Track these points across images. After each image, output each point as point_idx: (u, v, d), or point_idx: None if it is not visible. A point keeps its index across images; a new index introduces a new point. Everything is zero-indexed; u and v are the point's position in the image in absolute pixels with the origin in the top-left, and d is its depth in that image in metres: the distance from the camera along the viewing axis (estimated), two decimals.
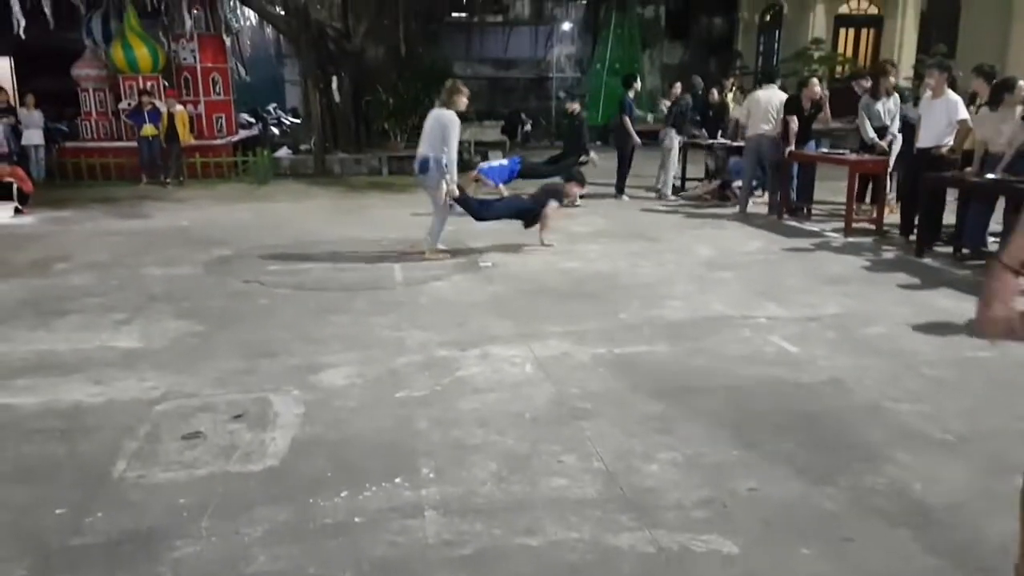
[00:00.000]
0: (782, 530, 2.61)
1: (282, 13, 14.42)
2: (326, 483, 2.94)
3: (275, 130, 18.24)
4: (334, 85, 14.20)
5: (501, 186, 9.22)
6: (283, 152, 14.69)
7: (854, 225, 8.05)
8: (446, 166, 6.60)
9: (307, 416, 3.55)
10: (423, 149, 6.73)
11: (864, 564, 2.42)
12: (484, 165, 9.80)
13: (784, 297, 5.54)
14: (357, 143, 14.83)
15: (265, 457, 3.16)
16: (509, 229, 7.63)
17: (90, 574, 2.41)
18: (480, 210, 7.35)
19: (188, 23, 13.42)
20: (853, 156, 8.42)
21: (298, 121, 18.79)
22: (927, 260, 6.84)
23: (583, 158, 10.39)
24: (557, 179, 8.43)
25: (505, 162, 9.84)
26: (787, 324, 4.90)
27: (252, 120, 18.20)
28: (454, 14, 18.56)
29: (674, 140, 10.67)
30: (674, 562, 2.43)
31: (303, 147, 14.92)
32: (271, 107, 20.11)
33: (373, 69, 14.77)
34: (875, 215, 8.16)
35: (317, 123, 14.14)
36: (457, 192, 6.82)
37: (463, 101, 6.82)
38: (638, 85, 11.28)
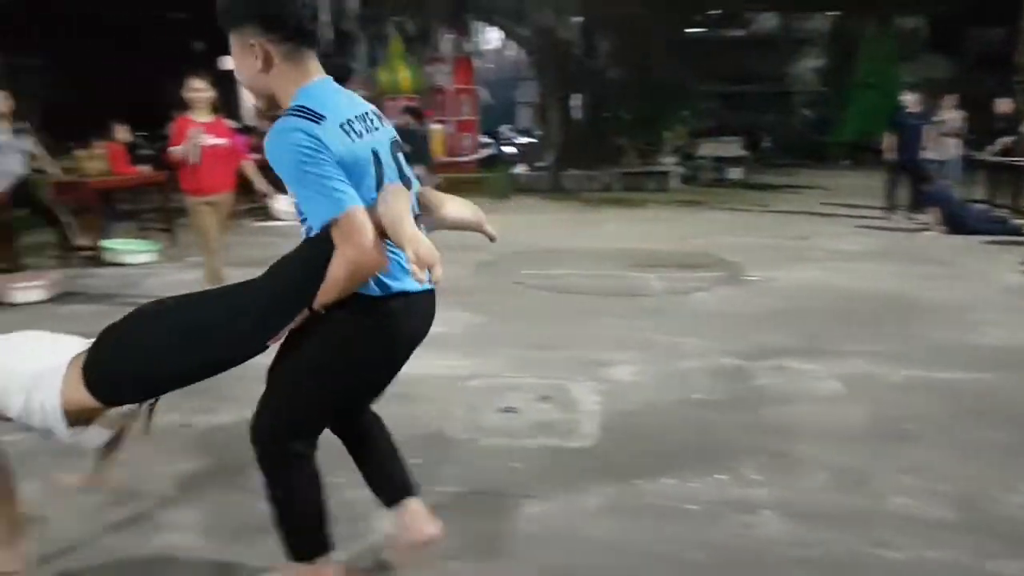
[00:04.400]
0: None
1: (528, 34, 15.10)
2: (646, 468, 2.96)
3: (508, 149, 19.10)
4: (573, 103, 14.59)
5: None
6: (519, 169, 15.35)
7: None
8: None
9: (607, 405, 3.62)
10: None
11: None
12: None
13: None
14: (591, 160, 15.13)
15: (579, 437, 3.27)
16: (762, 243, 7.37)
17: (452, 516, 2.60)
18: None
19: (445, 47, 14.51)
20: None
21: (530, 141, 19.56)
22: None
23: None
24: None
25: None
26: None
27: (489, 140, 19.21)
28: (693, 29, 18.40)
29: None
30: None
31: (537, 164, 15.49)
32: (504, 127, 21.11)
33: (613, 86, 15.01)
34: None
35: (554, 141, 14.61)
36: None
37: None
38: (910, 98, 10.30)
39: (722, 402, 3.70)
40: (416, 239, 1.62)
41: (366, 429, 2.23)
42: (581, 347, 4.53)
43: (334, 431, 2.14)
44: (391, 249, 1.73)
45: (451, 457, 3.08)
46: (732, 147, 15.70)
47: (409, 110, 10.88)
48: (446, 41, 14.62)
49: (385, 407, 3.57)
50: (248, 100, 20.96)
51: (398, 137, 1.95)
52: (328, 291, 1.69)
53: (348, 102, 1.81)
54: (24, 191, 6.20)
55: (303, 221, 1.74)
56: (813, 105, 22.03)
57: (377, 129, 1.83)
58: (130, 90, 16.47)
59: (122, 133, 8.39)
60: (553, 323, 5.13)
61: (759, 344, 4.59)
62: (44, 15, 17.08)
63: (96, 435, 1.94)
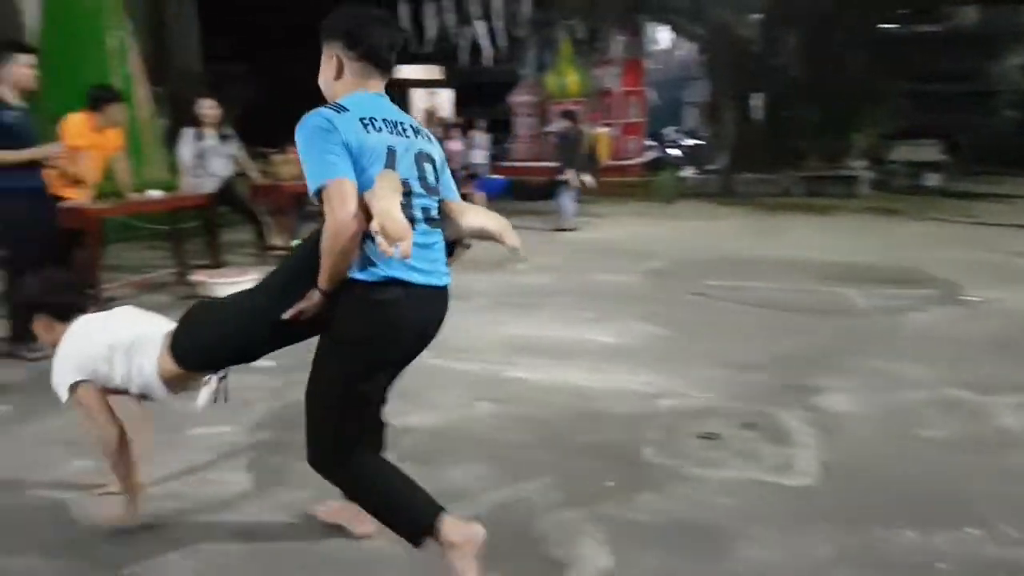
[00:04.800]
0: None
1: (703, 33, 14.56)
2: (879, 515, 2.59)
3: (673, 151, 18.58)
4: (751, 103, 13.89)
5: None
6: (687, 171, 14.83)
7: None
8: None
9: (824, 438, 3.25)
10: None
11: None
12: None
13: None
14: (768, 163, 14.34)
15: (797, 473, 2.92)
16: (976, 259, 6.53)
17: (654, 548, 2.39)
18: None
19: (615, 49, 14.29)
20: None
21: (696, 143, 18.90)
22: None
23: None
24: None
25: None
26: None
27: (652, 142, 18.77)
28: (884, 25, 16.99)
29: None
30: None
31: (707, 167, 14.89)
32: (670, 129, 20.57)
33: (795, 85, 14.14)
34: None
35: (727, 142, 13.97)
36: None
37: None
38: None
39: (958, 442, 3.22)
40: (384, 213, 1.76)
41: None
42: (784, 369, 4.15)
43: None
44: (416, 242, 1.86)
45: (647, 483, 2.85)
46: (929, 151, 14.29)
47: (566, 114, 10.79)
48: (616, 43, 14.38)
49: (574, 423, 3.46)
50: (418, 108, 21.95)
51: (430, 152, 2.11)
52: (324, 265, 1.89)
53: (384, 109, 2.04)
54: (228, 192, 6.63)
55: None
56: (1019, 106, 19.75)
57: (406, 136, 2.03)
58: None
59: None
60: (747, 340, 4.76)
61: (994, 376, 4.00)
62: (248, 24, 18.52)
63: (202, 398, 2.33)
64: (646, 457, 3.07)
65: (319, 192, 1.87)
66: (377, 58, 2.04)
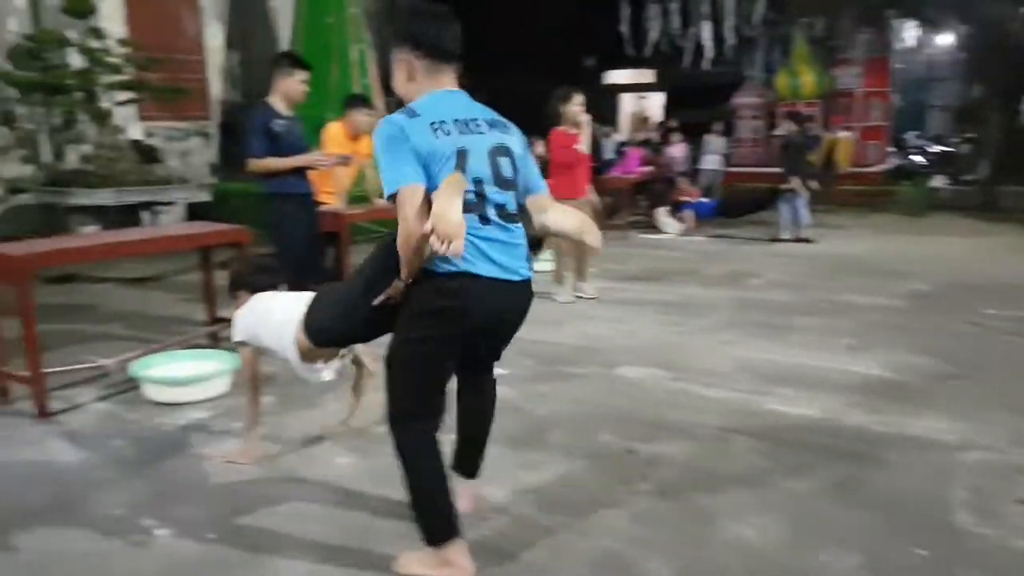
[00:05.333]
0: None
1: (967, 29, 12.94)
2: None
3: (918, 159, 16.71)
4: (1022, 106, 12.11)
5: None
6: (939, 182, 13.22)
7: None
8: None
9: None
10: None
11: None
12: None
13: None
14: None
15: None
16: None
17: None
18: None
19: (857, 47, 13.10)
20: None
21: (944, 150, 16.87)
22: None
23: None
24: None
25: None
26: None
27: (894, 149, 17.01)
28: None
29: None
30: None
31: (963, 177, 13.19)
32: (912, 134, 18.56)
33: None
34: None
35: (991, 150, 12.28)
36: None
37: None
38: None
39: None
40: (439, 214, 1.85)
41: (477, 402, 2.48)
42: None
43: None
44: (490, 237, 2.04)
45: (966, 555, 2.37)
46: None
47: (791, 115, 9.95)
48: (860, 41, 13.16)
49: (856, 470, 3.01)
50: (625, 113, 21.66)
51: (507, 144, 2.15)
52: (402, 261, 2.01)
53: (456, 108, 2.10)
54: None
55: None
56: None
57: (479, 133, 2.08)
58: (526, 101, 17.83)
59: None
60: None
61: None
62: (474, 40, 19.22)
63: (325, 372, 2.86)
64: (960, 523, 2.57)
65: (392, 197, 1.98)
66: (443, 53, 2.12)
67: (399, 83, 2.18)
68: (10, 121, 9.21)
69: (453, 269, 2.01)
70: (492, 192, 2.06)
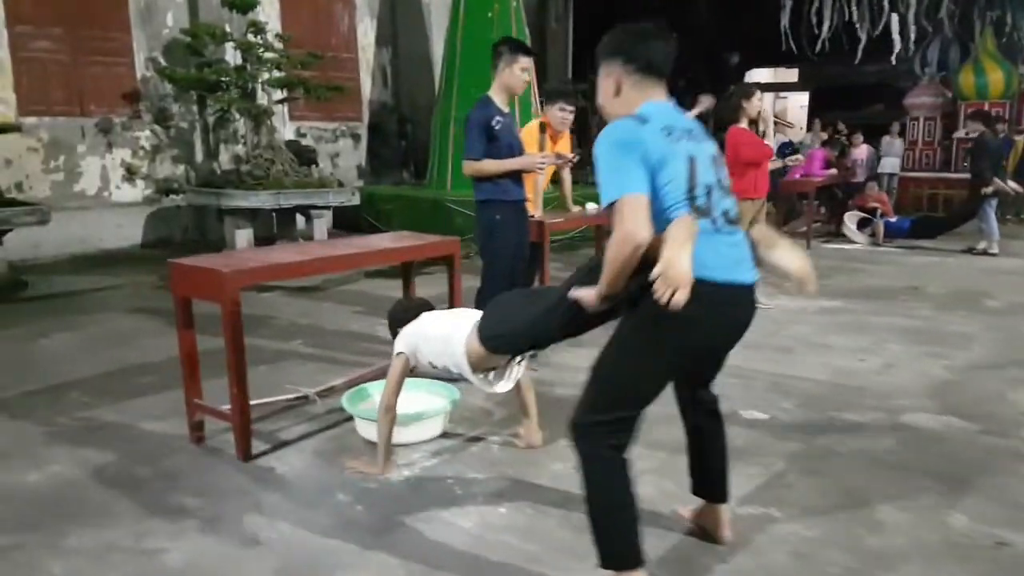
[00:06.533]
0: None
1: None
2: None
3: None
4: None
5: None
6: None
7: None
8: None
9: None
10: None
11: None
12: None
13: None
14: None
15: None
16: None
17: None
18: None
19: None
20: None
21: None
22: None
23: None
24: None
25: None
26: None
27: None
28: None
29: None
30: None
31: None
32: None
33: None
34: None
35: None
36: None
37: None
38: None
39: None
40: (670, 260, 1.81)
41: (701, 421, 2.37)
42: None
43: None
44: (722, 242, 1.98)
45: None
46: None
47: (979, 116, 8.78)
48: None
49: None
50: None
51: (716, 155, 2.08)
52: (605, 271, 1.93)
53: (676, 117, 2.05)
54: None
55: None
56: None
57: (699, 142, 2.03)
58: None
59: None
60: None
61: None
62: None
63: (501, 383, 2.77)
64: None
65: (610, 206, 1.90)
66: (657, 70, 2.08)
67: (605, 96, 2.14)
68: (165, 119, 9.15)
69: (709, 278, 1.92)
70: (718, 197, 2.02)
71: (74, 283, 6.68)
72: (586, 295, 2.05)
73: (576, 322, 2.24)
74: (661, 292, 1.78)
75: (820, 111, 17.61)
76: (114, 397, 3.81)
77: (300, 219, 9.06)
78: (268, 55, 8.20)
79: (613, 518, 2.04)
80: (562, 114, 4.68)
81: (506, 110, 4.00)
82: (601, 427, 2.01)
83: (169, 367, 4.12)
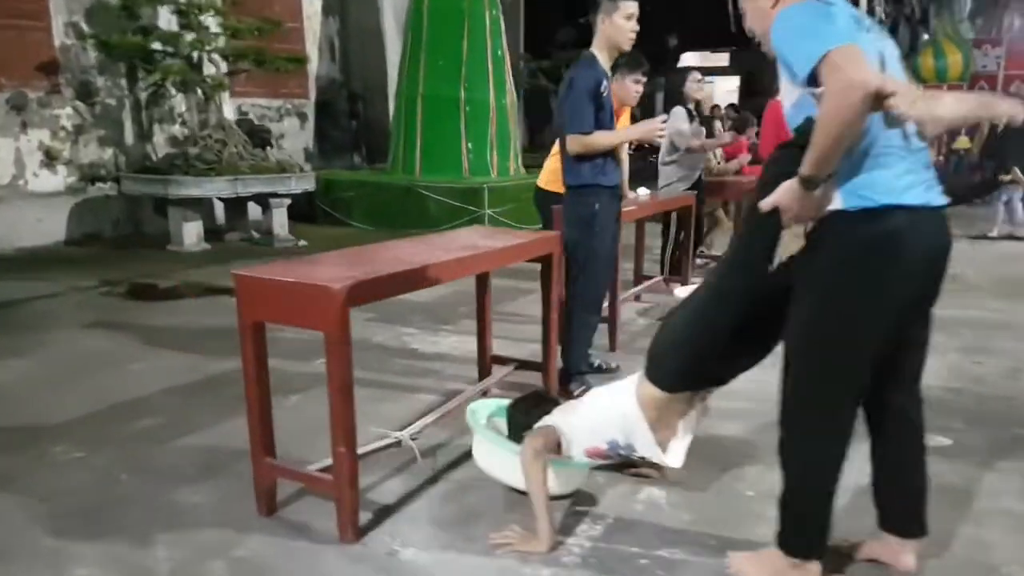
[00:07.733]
0: None
1: None
2: None
3: None
4: None
5: None
6: None
7: None
8: None
9: None
10: None
11: None
12: None
13: None
14: None
15: None
16: None
17: None
18: None
19: (1005, 25, 11.77)
20: None
21: None
22: None
23: None
24: None
25: None
26: None
27: None
28: None
29: None
30: None
31: None
32: None
33: None
34: None
35: None
36: None
37: None
38: None
39: None
40: (899, 85, 1.60)
41: (893, 416, 1.96)
42: None
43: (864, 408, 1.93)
44: (918, 160, 1.73)
45: None
46: None
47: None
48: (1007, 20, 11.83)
49: None
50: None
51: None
52: (814, 143, 1.62)
53: (859, 12, 1.84)
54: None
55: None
56: None
57: (887, 40, 1.83)
58: None
59: None
60: None
61: None
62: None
63: (676, 453, 2.24)
64: None
65: (814, 70, 1.58)
66: None
67: (757, 11, 1.87)
68: (88, 95, 7.83)
69: (872, 204, 1.68)
70: None
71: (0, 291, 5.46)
72: (789, 237, 1.78)
73: (756, 299, 1.92)
74: (902, 107, 1.53)
75: (751, 96, 17.62)
76: (116, 450, 2.85)
77: (253, 209, 8.00)
78: (213, 21, 7.08)
79: (812, 506, 1.88)
80: (636, 86, 3.97)
81: (610, 72, 3.28)
82: (810, 413, 1.84)
83: (170, 403, 3.32)
